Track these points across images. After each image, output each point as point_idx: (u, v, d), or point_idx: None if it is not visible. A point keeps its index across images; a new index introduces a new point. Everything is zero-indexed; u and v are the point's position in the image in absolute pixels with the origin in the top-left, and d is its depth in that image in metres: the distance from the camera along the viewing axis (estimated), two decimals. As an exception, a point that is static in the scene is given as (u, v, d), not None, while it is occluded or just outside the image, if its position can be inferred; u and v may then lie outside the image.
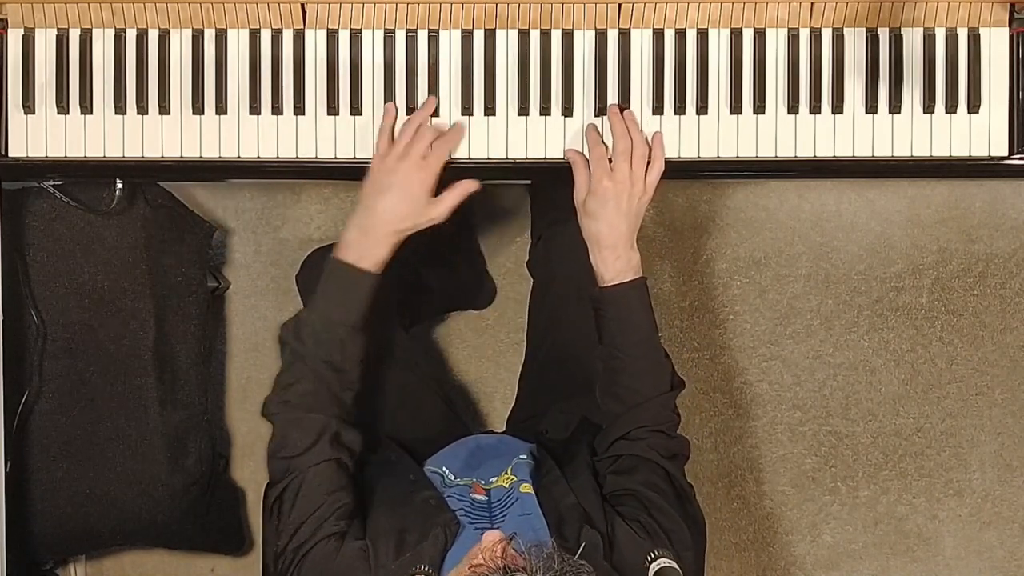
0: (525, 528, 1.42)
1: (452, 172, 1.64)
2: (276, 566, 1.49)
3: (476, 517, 1.48)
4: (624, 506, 1.47)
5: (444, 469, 1.61)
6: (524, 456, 1.60)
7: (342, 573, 1.42)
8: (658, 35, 1.63)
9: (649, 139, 1.61)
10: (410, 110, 1.62)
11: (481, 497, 1.52)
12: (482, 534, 1.31)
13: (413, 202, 1.54)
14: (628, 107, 1.62)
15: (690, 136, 1.63)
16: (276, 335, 1.52)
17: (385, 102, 1.62)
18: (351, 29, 1.63)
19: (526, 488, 1.51)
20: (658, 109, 1.63)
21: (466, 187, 1.58)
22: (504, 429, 1.91)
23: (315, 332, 1.53)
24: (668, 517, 1.45)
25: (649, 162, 1.58)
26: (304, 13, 1.62)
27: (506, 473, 1.57)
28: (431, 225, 1.57)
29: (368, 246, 1.54)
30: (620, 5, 1.61)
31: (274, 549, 1.50)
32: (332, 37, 1.62)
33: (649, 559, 1.36)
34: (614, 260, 1.56)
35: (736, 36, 1.63)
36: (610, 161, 1.57)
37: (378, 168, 1.56)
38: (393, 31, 1.63)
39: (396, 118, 1.60)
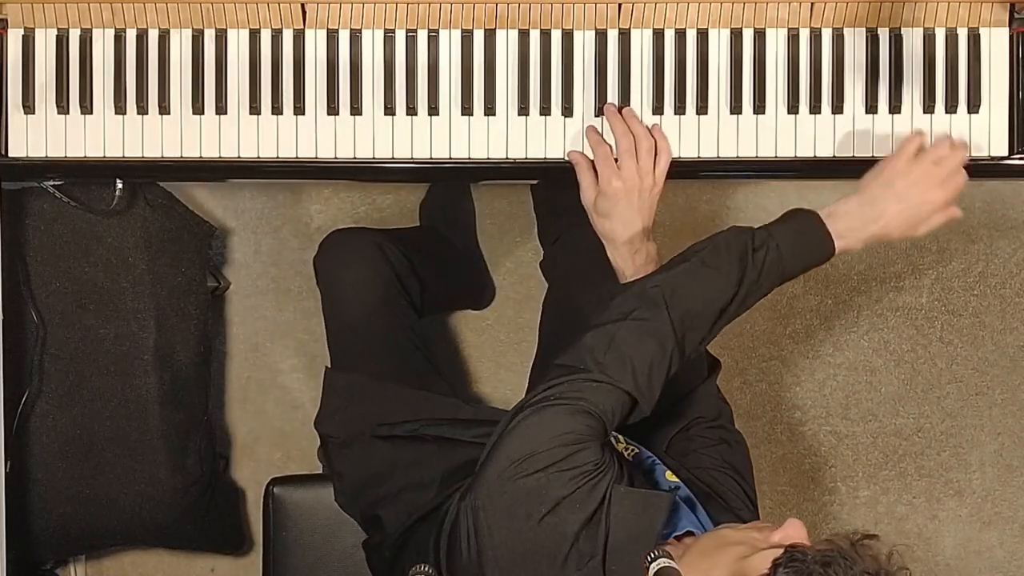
0: (701, 521, 1.39)
1: (453, 172, 1.64)
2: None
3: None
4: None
5: None
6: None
7: (577, 458, 1.32)
8: (658, 35, 1.63)
9: (651, 131, 1.60)
10: (410, 110, 1.62)
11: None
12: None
13: (916, 220, 1.49)
14: (628, 106, 1.62)
15: (690, 136, 1.64)
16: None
17: (385, 102, 1.62)
18: (351, 29, 1.63)
19: (672, 476, 1.47)
20: (658, 109, 1.63)
21: (957, 214, 1.52)
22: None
23: (767, 262, 1.42)
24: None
25: (656, 153, 1.58)
26: (304, 13, 1.62)
27: (619, 441, 1.51)
28: None
29: (855, 233, 1.47)
30: (620, 5, 1.61)
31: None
32: (332, 37, 1.62)
33: (649, 559, 1.36)
34: (632, 255, 1.56)
35: (736, 36, 1.63)
36: (615, 159, 1.57)
37: (905, 169, 1.49)
38: (393, 31, 1.63)
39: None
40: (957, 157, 1.50)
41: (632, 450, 1.53)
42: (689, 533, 1.37)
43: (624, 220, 1.55)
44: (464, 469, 1.52)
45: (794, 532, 1.25)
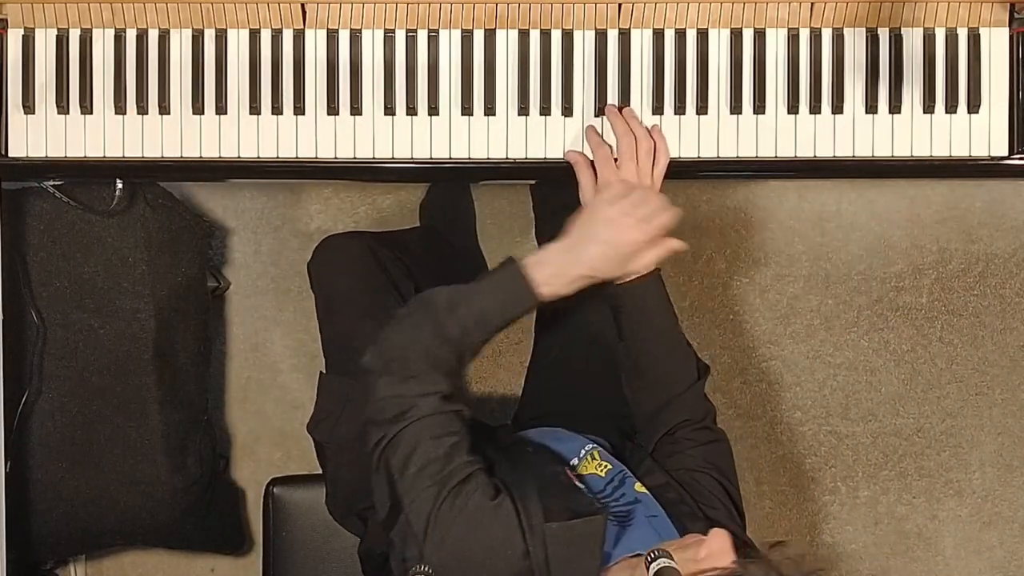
0: (657, 529, 1.41)
1: (453, 172, 1.64)
2: (393, 511, 1.43)
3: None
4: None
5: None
6: (593, 446, 1.59)
7: (498, 531, 1.36)
8: (658, 35, 1.63)
9: (649, 132, 1.61)
10: (410, 110, 1.62)
11: (579, 484, 1.49)
12: (612, 525, 1.30)
13: (620, 259, 1.50)
14: (628, 106, 1.62)
15: (690, 136, 1.63)
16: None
17: (385, 102, 1.62)
18: (351, 29, 1.63)
19: (640, 488, 1.49)
20: (658, 109, 1.63)
21: (672, 247, 1.53)
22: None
23: (463, 317, 1.46)
24: (751, 546, 1.44)
25: (655, 155, 1.58)
26: (304, 13, 1.62)
27: (592, 458, 1.54)
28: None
29: (558, 279, 1.48)
30: (620, 5, 1.61)
31: (387, 493, 1.44)
32: (332, 37, 1.62)
33: (649, 559, 1.36)
34: None
35: (736, 36, 1.63)
36: (615, 160, 1.57)
37: (599, 211, 1.50)
38: (393, 31, 1.63)
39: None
40: (652, 200, 1.50)
41: (605, 466, 1.54)
42: (637, 555, 1.37)
43: None
44: None
45: (717, 545, 1.25)
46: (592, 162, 1.60)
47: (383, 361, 1.45)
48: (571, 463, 1.55)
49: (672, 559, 1.26)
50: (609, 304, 1.60)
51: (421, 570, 1.36)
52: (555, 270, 1.48)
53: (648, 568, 1.30)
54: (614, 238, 1.48)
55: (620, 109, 1.61)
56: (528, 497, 1.38)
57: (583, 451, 1.57)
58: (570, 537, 1.35)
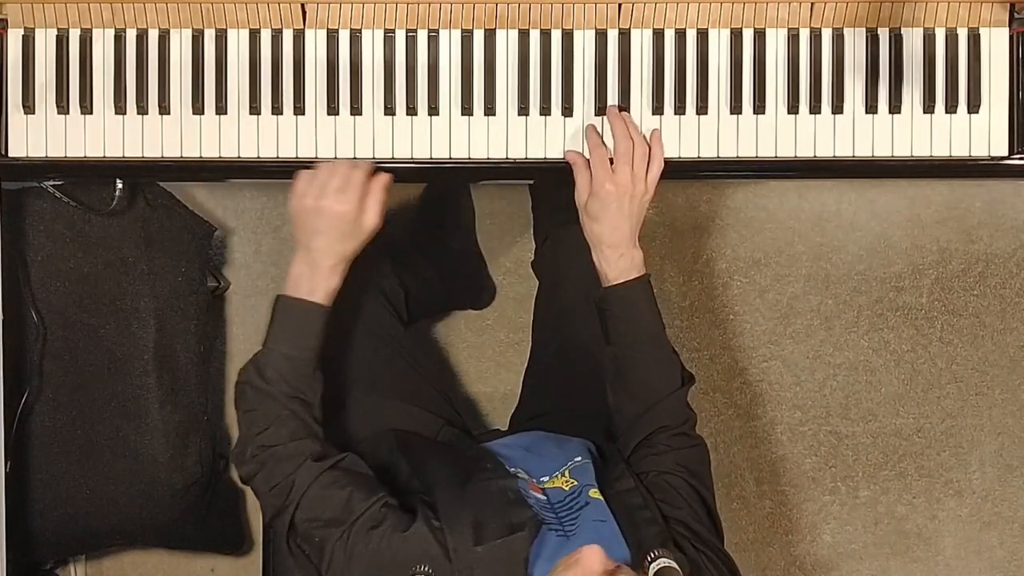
0: (601, 536, 1.41)
1: (453, 172, 1.64)
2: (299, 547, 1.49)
3: (546, 517, 1.47)
4: (679, 534, 1.47)
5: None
6: (580, 459, 1.60)
7: (412, 554, 1.40)
8: (658, 35, 1.63)
9: (647, 137, 1.61)
10: (410, 110, 1.62)
11: (540, 496, 1.51)
12: (557, 536, 1.31)
13: (346, 232, 1.55)
14: (628, 107, 1.63)
15: (690, 136, 1.63)
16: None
17: (385, 102, 1.62)
18: (351, 29, 1.63)
19: (595, 493, 1.50)
20: (658, 109, 1.63)
21: (381, 183, 1.58)
22: (507, 429, 1.91)
23: (279, 370, 1.54)
24: (712, 549, 1.46)
25: (649, 161, 1.59)
26: (304, 13, 1.62)
27: (562, 475, 1.56)
28: (374, 233, 1.58)
29: (318, 280, 1.55)
30: (620, 5, 1.61)
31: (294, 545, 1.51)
32: (332, 37, 1.62)
33: (649, 559, 1.36)
34: (617, 259, 1.57)
35: (736, 36, 1.63)
36: (611, 162, 1.58)
37: (300, 208, 1.55)
38: (393, 31, 1.63)
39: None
40: (337, 170, 1.55)
41: (572, 482, 1.55)
42: None
43: (612, 224, 1.56)
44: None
45: (588, 563, 1.25)
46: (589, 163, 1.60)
47: (254, 462, 1.53)
48: (540, 479, 1.56)
49: (671, 560, 1.26)
50: (597, 307, 1.60)
51: (421, 570, 1.36)
52: (308, 275, 1.55)
53: (648, 568, 1.30)
54: (329, 223, 1.54)
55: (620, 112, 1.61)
56: (459, 520, 1.41)
57: (558, 471, 1.57)
58: (496, 557, 1.37)
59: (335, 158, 1.63)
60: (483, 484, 1.49)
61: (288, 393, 1.53)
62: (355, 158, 1.63)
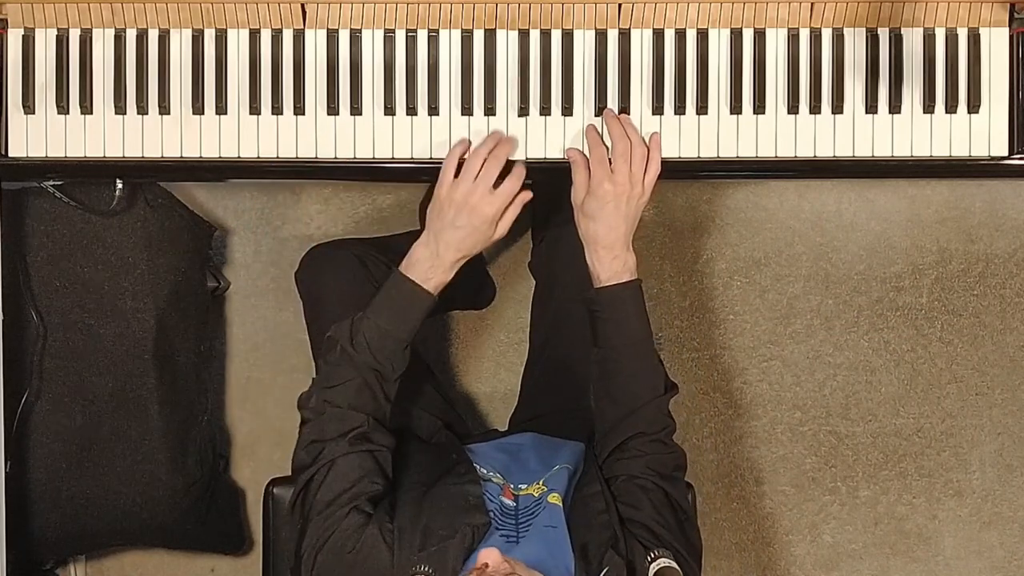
0: (548, 542, 1.42)
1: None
2: (297, 554, 1.49)
3: (503, 523, 1.48)
4: (638, 537, 1.48)
5: (481, 463, 1.62)
6: (558, 466, 1.60)
7: (363, 555, 1.43)
8: (658, 35, 1.63)
9: (646, 140, 1.61)
10: (410, 110, 1.62)
11: (509, 502, 1.53)
12: (507, 542, 1.33)
13: (480, 233, 1.57)
14: (628, 107, 1.63)
15: (690, 136, 1.64)
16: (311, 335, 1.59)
17: (385, 102, 1.62)
18: (351, 29, 1.63)
19: (554, 499, 1.51)
20: (658, 109, 1.63)
21: (523, 199, 1.59)
22: (506, 429, 1.91)
23: (369, 340, 1.55)
24: (672, 550, 1.46)
25: (647, 164, 1.59)
26: (304, 13, 1.62)
27: (538, 483, 1.57)
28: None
29: (436, 270, 1.57)
30: (620, 5, 1.61)
31: (296, 539, 1.51)
32: (332, 37, 1.62)
33: (649, 559, 1.36)
34: (611, 261, 1.57)
35: (736, 36, 1.63)
36: (609, 162, 1.58)
37: (447, 199, 1.56)
38: (393, 31, 1.63)
39: (469, 148, 1.61)
40: (491, 166, 1.57)
41: (543, 489, 1.56)
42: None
43: (608, 224, 1.56)
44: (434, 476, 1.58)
45: (480, 562, 1.28)
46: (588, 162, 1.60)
47: (313, 411, 1.55)
48: (518, 485, 1.57)
49: (671, 560, 1.26)
50: (587, 307, 1.60)
51: (421, 570, 1.36)
52: (429, 263, 1.56)
53: (649, 568, 1.30)
54: (469, 221, 1.55)
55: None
56: (413, 524, 1.45)
57: (537, 480, 1.58)
58: (433, 561, 1.40)
59: (335, 158, 1.63)
60: (444, 489, 1.52)
61: (369, 364, 1.54)
62: (355, 158, 1.63)
